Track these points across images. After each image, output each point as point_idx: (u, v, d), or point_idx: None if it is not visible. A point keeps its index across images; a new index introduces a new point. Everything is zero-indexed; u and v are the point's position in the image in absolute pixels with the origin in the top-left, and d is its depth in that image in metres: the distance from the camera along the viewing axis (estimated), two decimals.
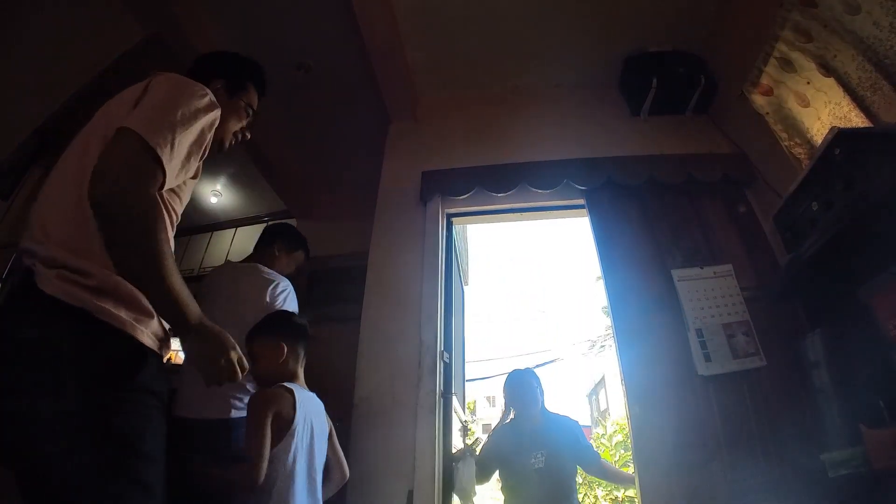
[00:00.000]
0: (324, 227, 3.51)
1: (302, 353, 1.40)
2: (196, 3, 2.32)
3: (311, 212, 3.60)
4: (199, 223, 3.86)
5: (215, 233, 3.90)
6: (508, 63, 2.68)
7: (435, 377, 1.98)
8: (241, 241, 3.74)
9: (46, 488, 0.68)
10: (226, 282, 1.68)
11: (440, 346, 2.06)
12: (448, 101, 2.82)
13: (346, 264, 3.10)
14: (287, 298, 1.64)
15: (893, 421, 1.33)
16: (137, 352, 0.79)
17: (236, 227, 3.85)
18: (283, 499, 1.15)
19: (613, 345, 2.07)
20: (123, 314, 0.78)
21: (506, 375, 2.40)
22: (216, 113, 0.92)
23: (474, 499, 1.97)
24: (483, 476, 2.11)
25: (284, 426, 1.20)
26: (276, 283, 1.63)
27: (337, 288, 3.13)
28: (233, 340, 0.87)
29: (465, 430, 2.34)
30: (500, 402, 2.44)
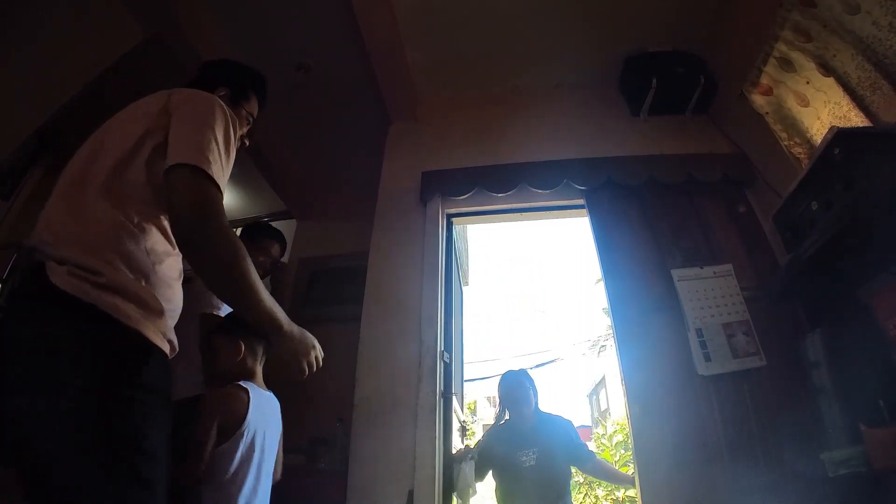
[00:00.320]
0: (324, 228, 3.51)
1: (261, 352, 1.43)
2: (196, 3, 2.32)
3: (311, 212, 3.60)
4: None
5: None
6: (508, 63, 2.68)
7: (435, 377, 1.98)
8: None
9: (49, 487, 0.68)
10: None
11: (440, 346, 2.06)
12: (448, 101, 2.83)
13: (346, 264, 3.10)
14: None
15: (893, 420, 1.33)
16: (144, 349, 0.78)
17: (236, 227, 3.85)
18: (229, 495, 1.19)
19: (613, 345, 2.07)
20: (132, 311, 0.78)
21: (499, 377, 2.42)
22: (234, 118, 1.00)
23: (474, 499, 1.97)
24: (478, 475, 2.12)
25: (234, 425, 1.24)
26: None
27: (337, 288, 3.13)
28: (313, 338, 1.01)
29: (463, 431, 2.35)
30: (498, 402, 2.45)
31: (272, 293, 0.93)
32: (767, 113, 2.06)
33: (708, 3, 2.34)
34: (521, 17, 2.42)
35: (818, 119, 1.82)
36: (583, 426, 7.56)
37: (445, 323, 2.17)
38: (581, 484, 4.44)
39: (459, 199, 2.39)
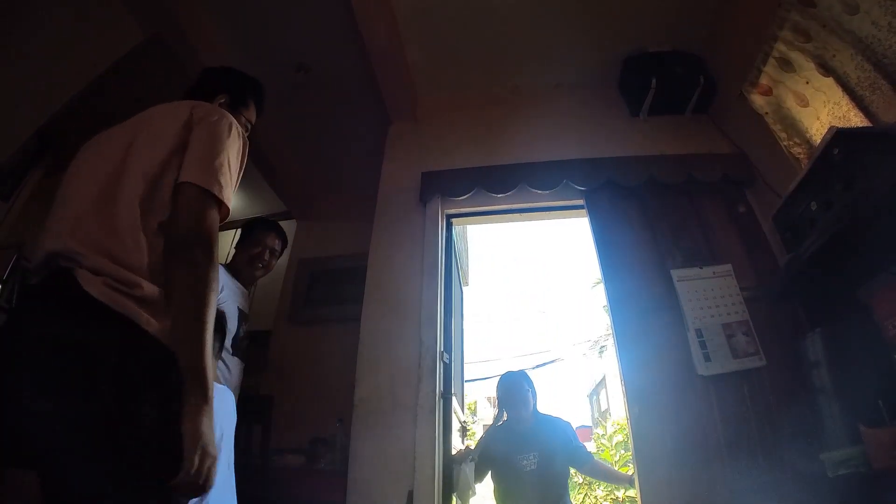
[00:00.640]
0: (323, 228, 3.52)
1: (217, 346, 1.43)
2: (196, 4, 2.33)
3: (311, 212, 3.61)
4: None
5: None
6: (508, 63, 2.69)
7: (435, 378, 1.98)
8: None
9: (73, 492, 0.68)
10: None
11: (440, 346, 2.06)
12: (448, 101, 2.82)
13: (345, 265, 3.10)
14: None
15: (893, 420, 1.33)
16: (169, 360, 0.79)
17: (236, 228, 3.85)
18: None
19: (613, 345, 2.07)
20: (161, 324, 0.79)
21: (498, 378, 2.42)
22: (246, 140, 1.03)
23: (473, 500, 1.97)
24: (477, 476, 2.12)
25: None
26: None
27: (337, 288, 3.13)
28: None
29: (464, 431, 2.35)
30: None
31: None
32: (767, 113, 2.06)
33: (708, 3, 2.34)
34: (520, 17, 2.43)
35: (818, 119, 1.82)
36: (583, 426, 7.56)
37: (445, 323, 2.18)
38: (581, 484, 4.44)
39: (459, 199, 2.39)
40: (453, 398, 2.12)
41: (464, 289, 3.03)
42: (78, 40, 2.17)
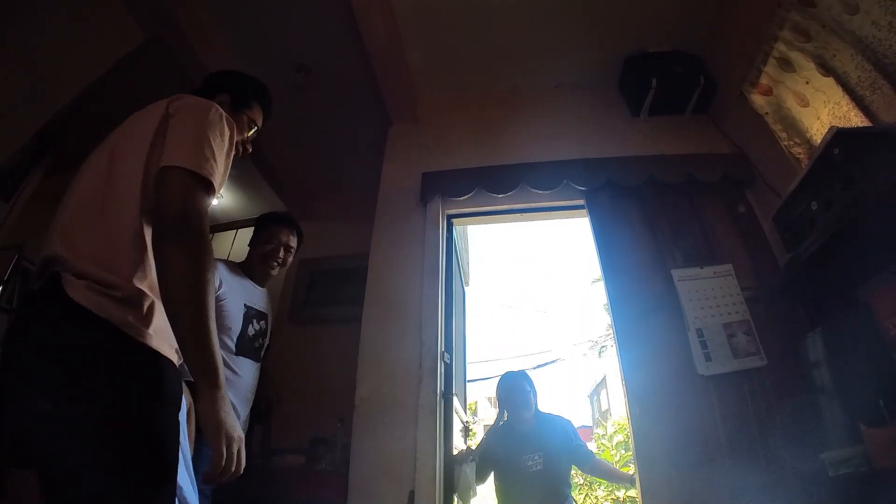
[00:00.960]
0: (324, 228, 3.51)
1: None
2: (196, 5, 2.33)
3: (310, 212, 3.60)
4: None
5: (216, 234, 3.91)
6: (508, 63, 2.69)
7: (435, 378, 1.98)
8: (241, 243, 3.73)
9: (71, 492, 0.68)
10: None
11: (441, 346, 2.06)
12: (448, 101, 2.83)
13: (346, 265, 3.11)
14: None
15: (893, 420, 1.33)
16: (156, 361, 0.80)
17: (237, 228, 3.86)
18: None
19: (614, 345, 2.07)
20: (143, 325, 0.79)
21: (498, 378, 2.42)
22: (232, 123, 0.99)
23: (474, 500, 1.97)
24: (479, 477, 2.12)
25: None
26: None
27: (337, 289, 3.13)
28: (242, 434, 0.82)
29: (466, 431, 2.35)
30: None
31: None
32: (767, 113, 2.06)
33: (708, 3, 2.35)
34: (520, 17, 2.43)
35: (818, 119, 1.82)
36: (584, 426, 7.56)
37: (446, 323, 2.18)
38: (581, 485, 4.44)
39: (459, 199, 2.39)
40: (455, 398, 2.12)
41: (465, 289, 3.03)
42: (78, 41, 2.16)
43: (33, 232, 1.73)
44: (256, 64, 2.36)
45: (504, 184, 2.34)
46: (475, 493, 1.98)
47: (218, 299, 1.65)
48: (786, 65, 1.87)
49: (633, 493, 3.90)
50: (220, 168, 0.90)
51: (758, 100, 2.08)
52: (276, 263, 1.89)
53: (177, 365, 0.86)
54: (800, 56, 1.80)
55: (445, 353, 2.10)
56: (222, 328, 1.64)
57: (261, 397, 1.82)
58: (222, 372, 0.78)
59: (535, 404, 2.29)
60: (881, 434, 1.34)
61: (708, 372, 1.83)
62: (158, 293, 0.82)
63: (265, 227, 1.94)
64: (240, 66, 1.35)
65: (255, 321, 1.79)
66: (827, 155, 1.50)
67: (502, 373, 2.48)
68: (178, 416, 0.82)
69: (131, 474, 0.71)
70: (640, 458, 1.80)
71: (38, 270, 0.84)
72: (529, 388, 2.29)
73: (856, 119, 1.65)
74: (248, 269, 1.88)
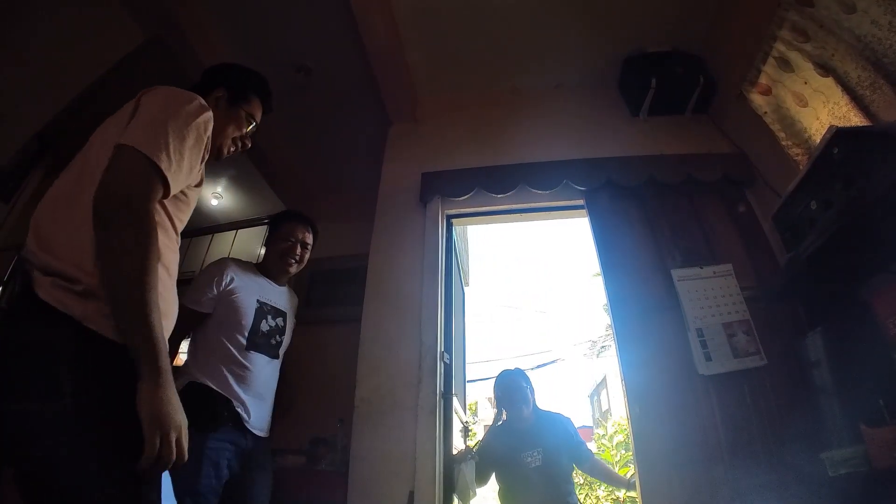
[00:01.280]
0: (324, 229, 3.47)
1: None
2: (196, 5, 2.33)
3: (311, 213, 3.59)
4: (199, 225, 3.85)
5: (216, 234, 3.91)
6: (508, 63, 2.69)
7: (435, 378, 1.98)
8: (241, 243, 3.74)
9: (45, 490, 0.69)
10: None
11: (440, 346, 2.06)
12: (448, 101, 2.83)
13: (346, 265, 3.10)
14: None
15: (894, 420, 1.33)
16: (125, 353, 0.78)
17: (237, 228, 3.86)
18: None
19: (614, 345, 2.07)
20: (108, 320, 0.78)
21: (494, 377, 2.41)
22: (208, 114, 0.95)
23: (474, 500, 1.97)
24: (480, 478, 2.11)
25: None
26: None
27: (337, 289, 3.13)
28: (185, 422, 0.78)
29: (465, 432, 2.34)
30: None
31: None
32: (766, 113, 2.06)
33: (708, 3, 2.35)
34: (520, 17, 2.43)
35: (817, 119, 1.82)
36: (584, 427, 7.55)
37: (445, 323, 2.18)
38: (581, 485, 4.44)
39: (459, 199, 2.39)
40: (455, 398, 2.12)
41: (465, 289, 3.03)
42: (78, 41, 2.17)
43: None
44: (256, 64, 2.31)
45: (504, 184, 2.34)
46: (475, 493, 1.97)
47: (229, 294, 1.65)
48: (785, 64, 1.87)
49: (633, 493, 3.90)
50: (183, 160, 0.87)
51: (757, 99, 2.08)
52: (293, 260, 1.87)
53: None
54: (799, 56, 1.80)
55: (445, 353, 2.10)
56: (233, 323, 1.63)
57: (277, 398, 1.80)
58: (165, 357, 0.76)
59: (534, 401, 2.29)
60: (881, 434, 1.34)
61: (708, 372, 1.83)
62: None
63: (280, 225, 1.92)
64: None
65: (269, 317, 1.76)
66: (827, 154, 1.49)
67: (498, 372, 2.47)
68: None
69: (109, 467, 0.71)
70: (640, 458, 1.80)
71: (18, 269, 0.85)
72: (527, 386, 2.29)
73: (855, 119, 1.65)
74: (265, 269, 1.86)
